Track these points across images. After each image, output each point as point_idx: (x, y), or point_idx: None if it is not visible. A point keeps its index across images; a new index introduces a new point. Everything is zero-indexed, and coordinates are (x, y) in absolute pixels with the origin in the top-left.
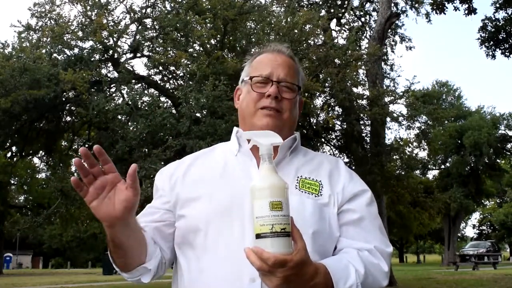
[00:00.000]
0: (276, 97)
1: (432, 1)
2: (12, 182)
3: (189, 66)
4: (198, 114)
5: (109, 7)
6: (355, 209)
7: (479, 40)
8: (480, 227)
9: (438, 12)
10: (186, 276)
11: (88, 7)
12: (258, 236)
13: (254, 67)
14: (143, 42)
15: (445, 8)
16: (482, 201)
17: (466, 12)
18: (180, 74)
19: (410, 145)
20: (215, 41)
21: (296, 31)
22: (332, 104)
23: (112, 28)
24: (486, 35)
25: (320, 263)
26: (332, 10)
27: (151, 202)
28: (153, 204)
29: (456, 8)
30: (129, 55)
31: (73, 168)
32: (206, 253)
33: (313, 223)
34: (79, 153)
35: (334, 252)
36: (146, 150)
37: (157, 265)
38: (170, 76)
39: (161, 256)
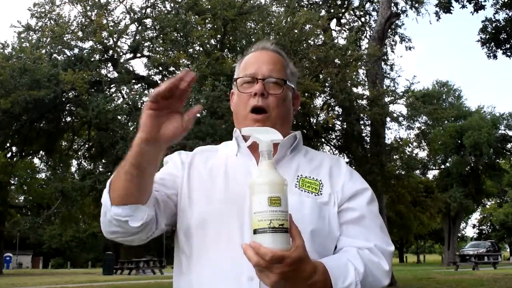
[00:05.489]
0: (262, 94)
1: (438, 1)
2: (12, 182)
3: (189, 66)
4: (197, 115)
5: (109, 7)
6: (355, 208)
7: (480, 42)
8: (480, 227)
9: (445, 11)
10: (185, 275)
11: (88, 7)
12: (255, 231)
13: (241, 68)
14: (143, 42)
15: (451, 7)
16: (482, 201)
17: (474, 10)
18: None
19: (410, 145)
20: (215, 41)
21: (296, 31)
22: (332, 104)
23: (112, 28)
24: (487, 36)
25: (318, 261)
26: (332, 10)
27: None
28: (170, 177)
29: (463, 6)
30: (129, 55)
31: (73, 169)
32: (205, 252)
33: (312, 222)
34: (78, 155)
35: (335, 252)
36: None
37: (150, 218)
38: (170, 76)
39: (154, 216)
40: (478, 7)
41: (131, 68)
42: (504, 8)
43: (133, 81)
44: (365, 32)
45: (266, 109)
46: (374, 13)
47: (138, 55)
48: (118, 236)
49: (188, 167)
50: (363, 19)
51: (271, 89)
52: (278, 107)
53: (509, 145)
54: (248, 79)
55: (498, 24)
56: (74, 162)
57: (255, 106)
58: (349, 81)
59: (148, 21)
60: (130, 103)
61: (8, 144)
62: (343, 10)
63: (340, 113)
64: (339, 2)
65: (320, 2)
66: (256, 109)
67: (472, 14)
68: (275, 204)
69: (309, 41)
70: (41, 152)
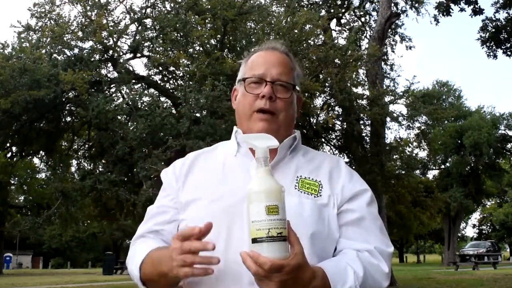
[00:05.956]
0: (271, 98)
1: (437, 3)
2: (12, 182)
3: (189, 66)
4: (197, 114)
5: (109, 7)
6: (355, 209)
7: (480, 41)
8: (480, 227)
9: (444, 14)
10: (186, 279)
11: (88, 7)
12: (254, 240)
13: (249, 66)
14: (143, 42)
15: (451, 10)
16: (482, 201)
17: (472, 13)
18: (180, 74)
19: (410, 145)
20: (215, 41)
21: (296, 31)
22: (332, 104)
23: (112, 28)
24: (487, 35)
25: (317, 266)
26: (332, 10)
27: (153, 203)
28: (163, 203)
29: (462, 9)
30: (129, 55)
31: (73, 169)
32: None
33: (312, 225)
34: (78, 155)
35: (334, 253)
36: (147, 150)
37: None
38: (170, 76)
39: None
40: (477, 11)
41: (131, 68)
42: (505, 8)
43: (133, 81)
44: (365, 32)
45: (274, 112)
46: (374, 13)
47: (138, 55)
48: None
49: (185, 177)
50: (363, 19)
51: (279, 92)
52: (285, 111)
53: (509, 145)
54: (255, 79)
55: (498, 24)
56: (74, 162)
57: (262, 109)
58: (349, 81)
59: (148, 21)
60: (130, 103)
61: (8, 144)
62: (343, 10)
63: (340, 113)
64: (339, 2)
65: (320, 2)
66: (262, 111)
67: (472, 17)
68: (273, 213)
69: (309, 41)
70: (41, 152)
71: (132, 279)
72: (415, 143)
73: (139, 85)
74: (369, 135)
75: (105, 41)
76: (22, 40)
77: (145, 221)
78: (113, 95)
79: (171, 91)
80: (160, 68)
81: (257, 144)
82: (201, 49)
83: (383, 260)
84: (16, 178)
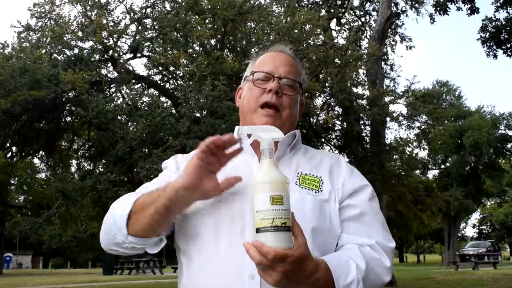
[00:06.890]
0: (277, 92)
1: (435, 2)
2: (12, 182)
3: (189, 66)
4: (197, 114)
5: (109, 7)
6: (356, 205)
7: (480, 41)
8: (480, 227)
9: (441, 13)
10: (185, 274)
11: (88, 7)
12: (258, 230)
13: (256, 65)
14: (143, 42)
15: (448, 8)
16: (482, 201)
17: (469, 12)
18: (180, 74)
19: (410, 145)
20: (215, 41)
21: (296, 31)
22: (332, 104)
23: (112, 28)
24: (487, 35)
25: (320, 259)
26: (332, 10)
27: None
28: (161, 185)
29: (459, 8)
30: (129, 55)
31: (73, 169)
32: (206, 250)
33: (313, 220)
34: (78, 155)
35: (336, 249)
36: (147, 150)
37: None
38: (170, 76)
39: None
40: (473, 10)
41: (131, 68)
42: (504, 7)
43: (133, 81)
44: (365, 32)
45: (279, 107)
46: (374, 13)
47: (138, 55)
48: (120, 253)
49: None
50: (363, 19)
51: (285, 89)
52: (290, 108)
53: (509, 145)
54: (263, 75)
55: (498, 24)
56: (74, 162)
57: (268, 102)
58: (349, 81)
59: (148, 21)
60: (130, 103)
61: (8, 144)
62: (343, 10)
63: (340, 113)
64: (339, 2)
65: (320, 2)
66: (268, 105)
67: (469, 16)
68: (277, 203)
69: (309, 41)
70: (41, 152)
71: (113, 218)
72: (415, 143)
73: (139, 85)
74: (369, 135)
75: (105, 41)
76: (22, 40)
77: (138, 192)
78: (113, 95)
79: (171, 91)
80: (160, 68)
81: (262, 135)
82: (201, 49)
83: (385, 254)
84: (16, 178)
